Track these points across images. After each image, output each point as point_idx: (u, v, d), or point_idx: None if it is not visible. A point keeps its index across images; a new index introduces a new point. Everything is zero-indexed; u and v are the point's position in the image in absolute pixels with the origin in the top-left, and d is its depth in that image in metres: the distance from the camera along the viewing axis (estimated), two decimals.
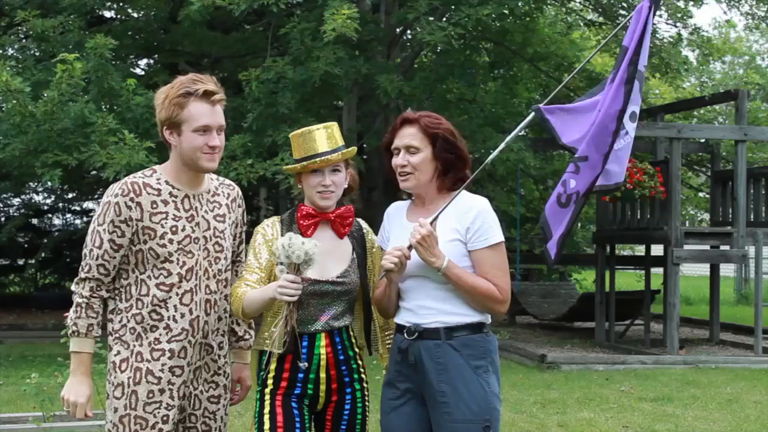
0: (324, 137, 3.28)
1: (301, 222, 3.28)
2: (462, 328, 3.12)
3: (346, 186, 3.35)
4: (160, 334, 3.16)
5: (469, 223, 3.12)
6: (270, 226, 3.32)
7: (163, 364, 3.16)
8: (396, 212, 3.36)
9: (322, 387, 3.27)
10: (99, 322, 3.16)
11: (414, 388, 3.17)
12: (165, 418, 3.15)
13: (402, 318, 3.21)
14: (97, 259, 3.14)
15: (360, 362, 3.37)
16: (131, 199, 3.12)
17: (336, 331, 3.29)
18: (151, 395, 3.14)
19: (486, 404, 3.09)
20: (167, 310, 3.16)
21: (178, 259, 3.16)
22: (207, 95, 3.12)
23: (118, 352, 3.19)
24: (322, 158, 3.23)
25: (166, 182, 3.19)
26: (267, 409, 3.22)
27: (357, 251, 3.35)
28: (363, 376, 3.37)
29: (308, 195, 3.31)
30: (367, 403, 3.37)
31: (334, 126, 3.35)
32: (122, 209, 3.11)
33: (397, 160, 3.21)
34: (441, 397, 3.09)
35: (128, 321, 3.18)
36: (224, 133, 3.25)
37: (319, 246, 3.05)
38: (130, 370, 3.15)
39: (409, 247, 3.09)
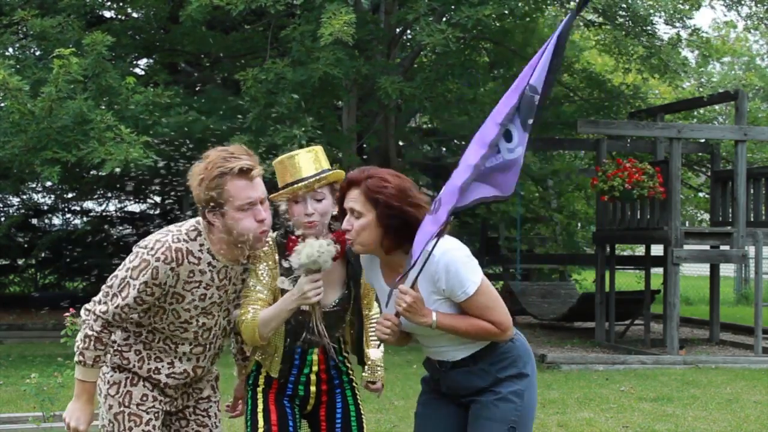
0: (307, 161, 3.22)
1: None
2: (488, 348, 3.12)
3: (335, 212, 3.25)
4: (162, 366, 3.21)
5: (443, 286, 3.02)
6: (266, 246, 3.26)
7: (154, 385, 3.24)
8: (370, 267, 3.24)
9: (313, 388, 3.30)
10: (106, 353, 3.16)
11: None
12: (157, 415, 3.22)
13: (430, 354, 3.22)
14: (117, 308, 3.07)
15: (348, 364, 3.43)
16: (172, 269, 3.06)
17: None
18: (144, 398, 3.22)
19: (512, 406, 3.10)
20: (176, 352, 3.22)
21: (197, 320, 3.18)
22: (243, 172, 3.04)
23: (117, 364, 3.25)
24: (304, 183, 3.17)
25: (208, 251, 3.13)
26: (261, 407, 3.26)
27: (350, 273, 3.33)
28: (351, 375, 3.42)
29: (294, 224, 3.25)
30: (359, 401, 3.40)
31: (318, 149, 3.28)
32: (160, 275, 3.05)
33: (344, 223, 3.09)
34: (474, 395, 3.14)
35: (135, 342, 3.22)
36: (267, 202, 3.16)
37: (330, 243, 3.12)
38: (128, 372, 3.23)
39: (397, 314, 3.05)
